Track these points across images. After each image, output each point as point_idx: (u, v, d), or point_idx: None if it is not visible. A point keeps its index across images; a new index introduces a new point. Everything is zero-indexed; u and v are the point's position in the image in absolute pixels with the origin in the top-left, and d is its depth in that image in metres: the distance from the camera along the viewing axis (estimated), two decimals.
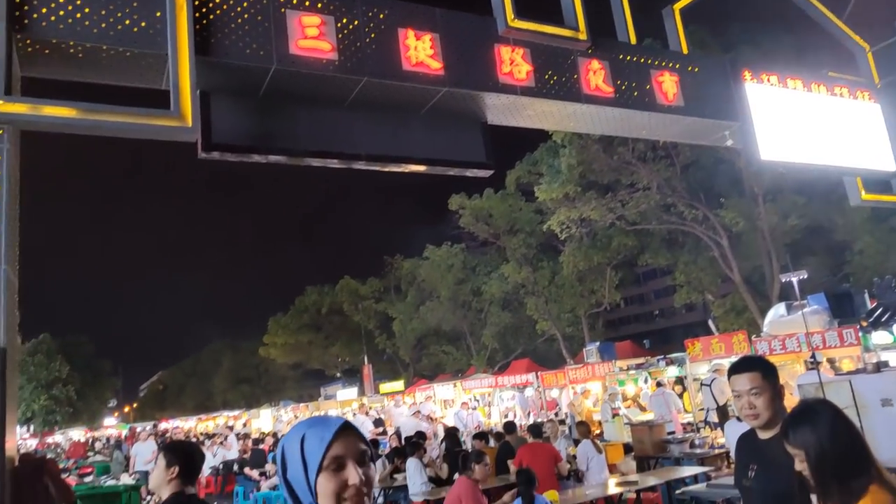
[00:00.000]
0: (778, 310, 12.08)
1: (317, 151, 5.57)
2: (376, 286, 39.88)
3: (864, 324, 10.37)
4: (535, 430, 8.95)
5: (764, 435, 2.63)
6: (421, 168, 6.03)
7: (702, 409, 11.88)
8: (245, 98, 5.35)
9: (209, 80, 4.99)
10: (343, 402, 30.33)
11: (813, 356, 7.30)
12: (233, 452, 17.32)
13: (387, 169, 5.95)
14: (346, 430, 1.47)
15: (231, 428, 27.17)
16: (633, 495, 7.83)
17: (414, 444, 9.52)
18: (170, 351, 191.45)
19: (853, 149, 8.06)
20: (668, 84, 7.00)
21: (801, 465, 2.17)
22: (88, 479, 12.78)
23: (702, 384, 12.08)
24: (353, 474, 1.41)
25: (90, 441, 31.27)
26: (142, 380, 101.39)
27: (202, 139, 4.95)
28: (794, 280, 6.79)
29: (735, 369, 2.77)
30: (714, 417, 11.57)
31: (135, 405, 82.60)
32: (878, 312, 10.74)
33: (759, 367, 2.70)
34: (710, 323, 21.78)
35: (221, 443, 18.22)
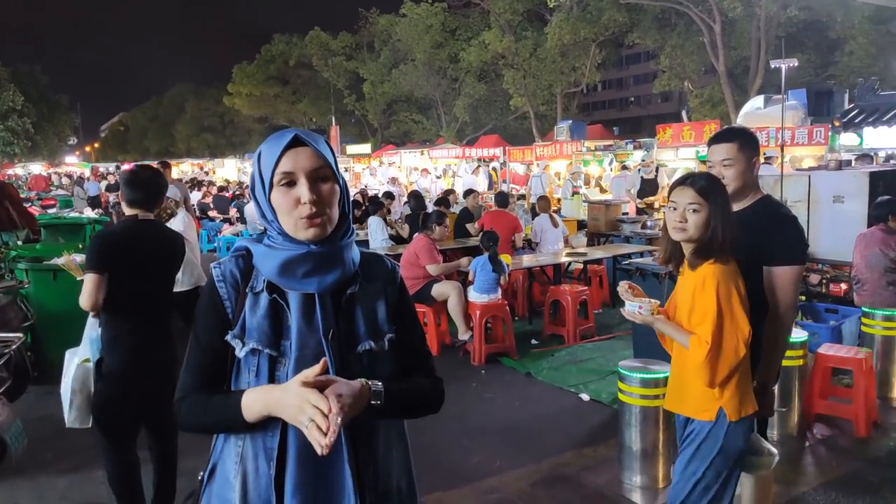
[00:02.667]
0: (755, 102, 11.89)
1: None
2: (348, 41, 37.66)
3: (837, 124, 10.36)
4: (502, 199, 9.12)
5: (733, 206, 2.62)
6: None
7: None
8: None
9: None
10: None
11: (781, 150, 7.29)
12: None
13: None
14: (298, 143, 1.34)
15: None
16: (581, 266, 8.27)
17: (378, 203, 9.69)
18: (130, 91, 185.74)
19: None
20: None
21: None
22: (52, 210, 12.82)
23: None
24: (303, 191, 1.32)
25: (52, 176, 31.17)
26: (102, 120, 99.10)
27: None
28: (784, 67, 6.49)
29: (714, 139, 2.70)
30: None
31: (96, 145, 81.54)
32: (853, 113, 10.69)
33: (737, 139, 2.63)
34: (684, 114, 21.60)
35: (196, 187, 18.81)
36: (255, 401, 1.29)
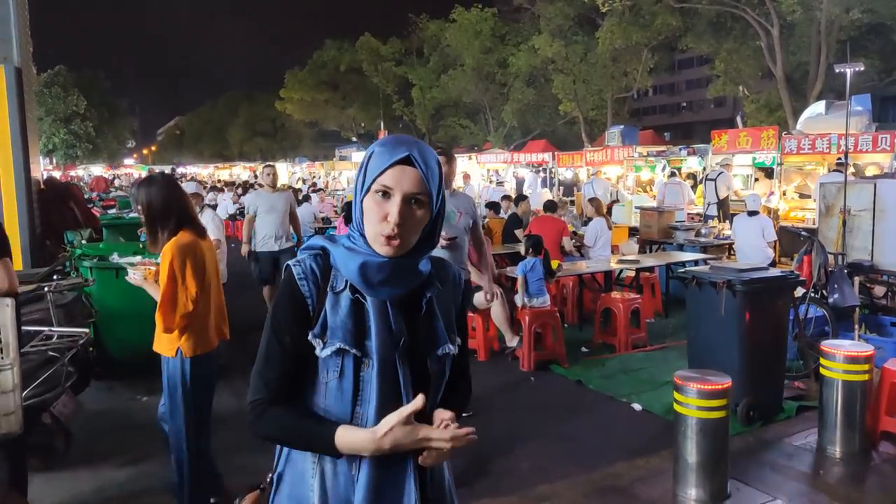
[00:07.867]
0: (816, 108, 11.50)
1: None
2: (398, 47, 37.99)
3: None
4: (550, 205, 9.05)
5: None
6: None
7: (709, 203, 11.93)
8: None
9: None
10: (358, 164, 30.66)
11: (844, 156, 7.02)
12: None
13: None
14: (409, 162, 1.33)
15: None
16: (632, 273, 8.12)
17: None
18: (186, 96, 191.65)
19: None
20: None
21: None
22: (111, 211, 13.29)
23: (706, 178, 12.00)
24: (393, 210, 1.31)
25: (112, 178, 32.33)
26: (159, 124, 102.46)
27: None
28: (848, 71, 6.24)
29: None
30: (714, 211, 11.68)
31: (153, 148, 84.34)
32: None
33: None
34: (738, 120, 21.04)
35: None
36: (353, 441, 1.32)
